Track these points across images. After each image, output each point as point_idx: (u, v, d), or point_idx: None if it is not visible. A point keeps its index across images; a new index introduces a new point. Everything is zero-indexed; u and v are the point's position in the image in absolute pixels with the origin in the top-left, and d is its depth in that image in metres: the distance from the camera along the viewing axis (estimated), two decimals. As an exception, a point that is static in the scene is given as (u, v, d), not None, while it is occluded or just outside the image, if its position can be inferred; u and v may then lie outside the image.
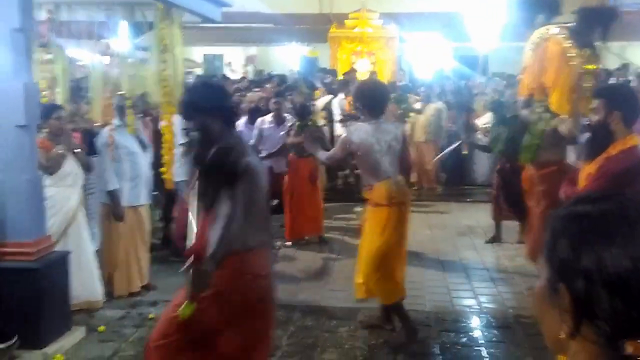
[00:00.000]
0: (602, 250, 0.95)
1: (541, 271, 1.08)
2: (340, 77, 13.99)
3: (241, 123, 8.49)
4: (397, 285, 4.97)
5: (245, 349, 3.27)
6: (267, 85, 11.87)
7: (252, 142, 7.81)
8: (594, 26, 4.71)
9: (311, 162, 7.60)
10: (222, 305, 3.17)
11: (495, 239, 7.86)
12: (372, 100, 4.87)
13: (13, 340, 4.44)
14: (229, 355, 3.25)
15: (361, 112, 4.95)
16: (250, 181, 3.09)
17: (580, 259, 0.97)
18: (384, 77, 14.46)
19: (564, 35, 5.73)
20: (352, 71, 14.01)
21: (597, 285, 0.96)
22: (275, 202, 7.96)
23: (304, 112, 7.90)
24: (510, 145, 7.60)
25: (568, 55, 5.59)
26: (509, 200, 7.57)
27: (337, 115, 10.37)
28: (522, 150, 6.08)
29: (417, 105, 10.74)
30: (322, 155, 5.22)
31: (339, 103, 10.71)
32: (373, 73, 14.05)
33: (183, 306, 3.06)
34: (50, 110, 5.58)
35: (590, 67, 5.18)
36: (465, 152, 9.56)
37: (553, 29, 5.77)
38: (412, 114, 10.47)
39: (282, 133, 8.11)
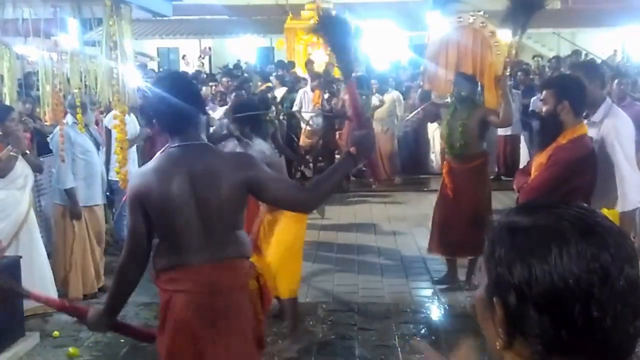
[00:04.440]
0: (533, 266, 0.92)
1: (481, 279, 1.05)
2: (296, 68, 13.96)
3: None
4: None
5: None
6: (224, 79, 11.73)
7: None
8: (522, 14, 4.65)
9: None
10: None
11: None
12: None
13: None
14: None
15: None
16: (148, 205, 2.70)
17: (512, 273, 0.94)
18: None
19: (483, 24, 5.71)
20: (310, 62, 13.99)
21: (527, 301, 0.92)
22: None
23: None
24: None
25: (494, 44, 5.57)
26: None
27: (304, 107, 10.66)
28: (447, 146, 5.99)
29: (374, 99, 10.67)
30: None
31: (307, 96, 10.70)
32: (330, 64, 14.03)
33: None
34: (5, 112, 5.42)
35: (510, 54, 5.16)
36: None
37: (469, 18, 5.74)
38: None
39: None
